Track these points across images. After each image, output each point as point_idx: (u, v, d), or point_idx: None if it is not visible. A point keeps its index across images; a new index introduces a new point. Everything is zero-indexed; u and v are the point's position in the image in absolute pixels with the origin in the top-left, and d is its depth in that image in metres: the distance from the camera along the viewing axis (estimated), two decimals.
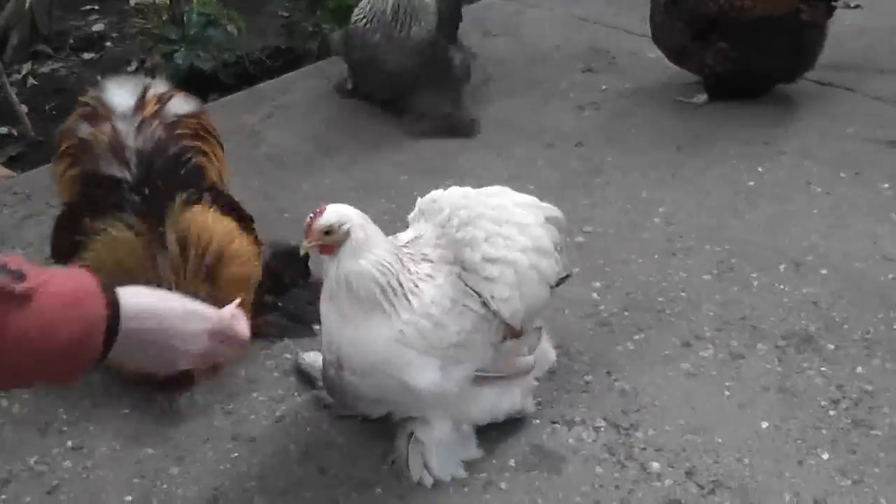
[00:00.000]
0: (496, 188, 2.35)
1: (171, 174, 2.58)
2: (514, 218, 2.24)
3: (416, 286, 2.12)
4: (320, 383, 2.43)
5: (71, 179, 2.68)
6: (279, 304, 2.80)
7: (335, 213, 2.07)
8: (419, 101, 3.59)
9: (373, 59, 3.66)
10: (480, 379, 2.22)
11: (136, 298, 1.73)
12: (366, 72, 3.74)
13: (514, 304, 2.19)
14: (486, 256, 2.17)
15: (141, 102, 2.70)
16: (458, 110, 3.75)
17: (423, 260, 2.17)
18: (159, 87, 2.81)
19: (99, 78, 2.77)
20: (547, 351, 2.45)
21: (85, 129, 2.68)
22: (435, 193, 2.31)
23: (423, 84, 3.64)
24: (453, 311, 2.14)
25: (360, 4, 3.71)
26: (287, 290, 2.82)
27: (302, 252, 2.14)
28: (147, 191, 2.50)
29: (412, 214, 2.34)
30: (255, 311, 2.56)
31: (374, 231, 2.12)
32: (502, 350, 2.25)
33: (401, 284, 2.09)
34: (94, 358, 1.65)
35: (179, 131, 2.68)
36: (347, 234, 2.07)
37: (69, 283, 1.63)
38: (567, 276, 2.40)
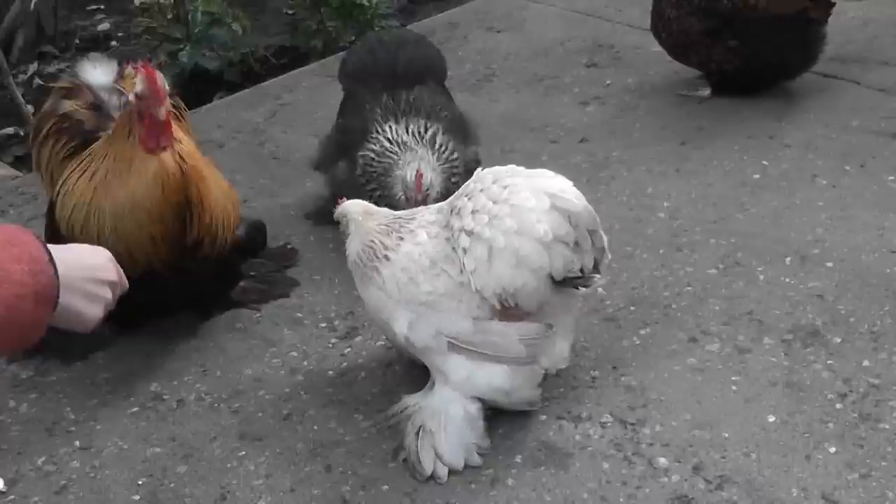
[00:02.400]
0: (544, 171, 2.34)
1: None
2: (515, 200, 2.22)
3: (399, 245, 2.32)
4: None
5: (60, 158, 2.67)
6: (252, 273, 2.94)
7: (340, 208, 2.45)
8: None
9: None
10: (456, 346, 2.28)
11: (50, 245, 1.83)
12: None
13: (481, 278, 2.23)
14: (465, 228, 2.25)
15: (120, 78, 2.74)
16: None
17: (420, 225, 2.35)
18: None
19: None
20: (560, 353, 2.39)
21: (65, 105, 2.72)
22: (492, 169, 2.37)
23: None
24: (430, 271, 2.29)
25: (362, 166, 2.95)
26: (254, 256, 2.99)
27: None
28: None
29: None
30: (234, 278, 2.85)
31: (367, 217, 2.39)
32: (483, 327, 2.27)
33: (384, 249, 2.32)
34: (50, 291, 1.74)
35: None
36: (349, 225, 2.41)
37: (0, 229, 1.75)
38: (583, 277, 2.28)
